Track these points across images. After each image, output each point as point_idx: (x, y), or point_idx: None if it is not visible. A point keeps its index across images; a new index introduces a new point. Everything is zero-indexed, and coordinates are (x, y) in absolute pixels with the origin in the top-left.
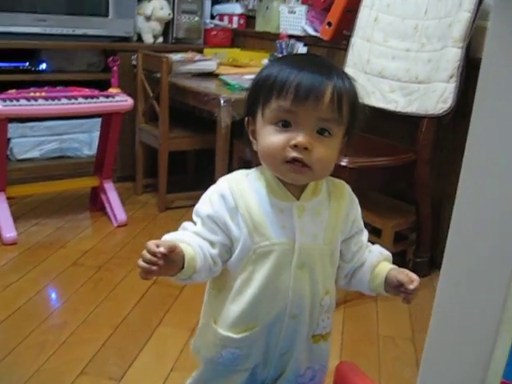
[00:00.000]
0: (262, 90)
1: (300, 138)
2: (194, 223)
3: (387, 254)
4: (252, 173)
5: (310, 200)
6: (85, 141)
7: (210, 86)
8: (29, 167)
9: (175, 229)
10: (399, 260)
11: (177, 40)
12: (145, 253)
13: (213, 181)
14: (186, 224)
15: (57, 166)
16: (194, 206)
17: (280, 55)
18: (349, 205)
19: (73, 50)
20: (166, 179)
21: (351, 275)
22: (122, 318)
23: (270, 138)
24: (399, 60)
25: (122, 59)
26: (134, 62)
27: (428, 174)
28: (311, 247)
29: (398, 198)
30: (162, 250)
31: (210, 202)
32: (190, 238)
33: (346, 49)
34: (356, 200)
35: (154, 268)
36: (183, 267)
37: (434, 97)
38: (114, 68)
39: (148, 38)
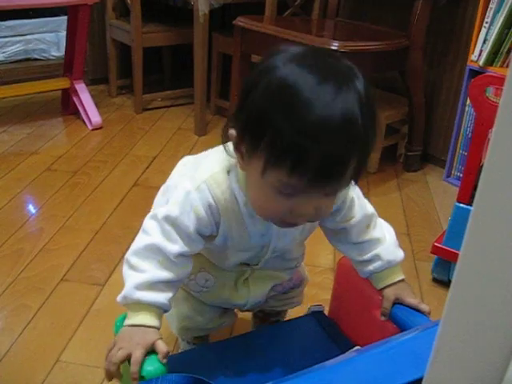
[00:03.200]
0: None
1: (308, 211)
2: (162, 228)
3: (397, 261)
4: (233, 170)
5: None
6: (52, 41)
7: None
8: None
9: (153, 130)
10: (390, 154)
11: None
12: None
13: (192, 80)
14: (157, 240)
15: (23, 69)
16: (172, 106)
17: None
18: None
19: None
20: (142, 79)
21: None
22: (102, 223)
23: (268, 202)
24: None
25: None
26: None
27: (421, 61)
28: (286, 246)
29: (389, 91)
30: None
31: (194, 212)
32: (165, 294)
33: None
34: None
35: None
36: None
37: None
38: None
39: None
